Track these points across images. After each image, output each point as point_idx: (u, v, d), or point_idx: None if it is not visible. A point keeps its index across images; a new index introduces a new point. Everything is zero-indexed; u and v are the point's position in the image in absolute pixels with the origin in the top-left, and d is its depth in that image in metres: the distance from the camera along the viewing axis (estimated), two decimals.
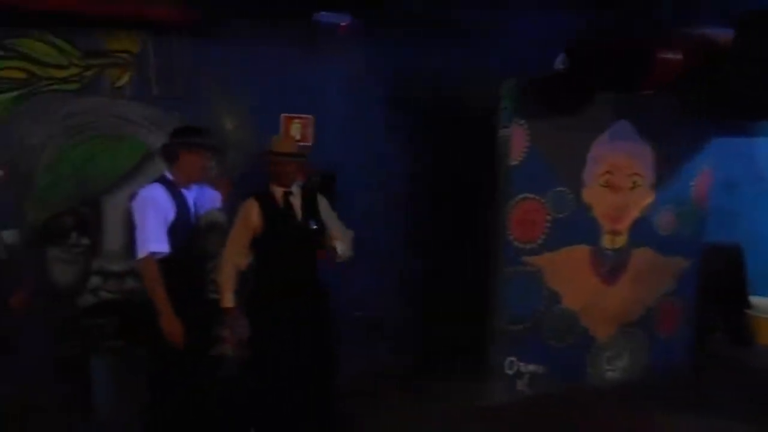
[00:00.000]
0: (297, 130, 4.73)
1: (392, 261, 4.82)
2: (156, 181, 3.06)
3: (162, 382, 2.99)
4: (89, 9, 4.07)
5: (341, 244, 3.62)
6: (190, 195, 3.16)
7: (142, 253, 2.91)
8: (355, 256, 3.80)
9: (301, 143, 4.53)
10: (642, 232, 4.95)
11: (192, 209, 3.12)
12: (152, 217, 2.91)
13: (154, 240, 2.90)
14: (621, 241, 4.90)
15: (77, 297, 4.37)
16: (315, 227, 3.54)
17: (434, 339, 5.04)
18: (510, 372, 4.63)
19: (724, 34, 4.02)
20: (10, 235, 4.26)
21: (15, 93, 4.20)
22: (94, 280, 4.41)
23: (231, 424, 3.43)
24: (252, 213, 3.44)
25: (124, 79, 4.38)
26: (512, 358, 4.63)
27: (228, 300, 3.36)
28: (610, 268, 4.89)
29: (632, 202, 4.90)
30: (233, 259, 3.41)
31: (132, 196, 3.06)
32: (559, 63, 4.32)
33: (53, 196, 4.29)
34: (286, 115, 4.72)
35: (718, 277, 5.66)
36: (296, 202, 3.55)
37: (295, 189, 3.57)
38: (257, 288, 3.47)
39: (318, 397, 3.53)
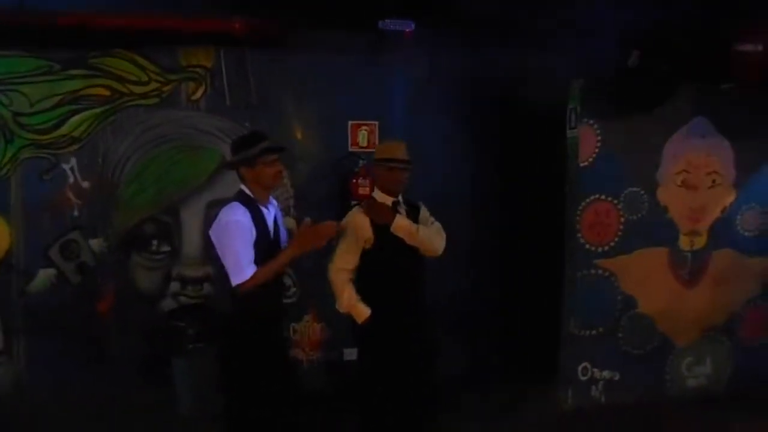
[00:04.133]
0: (363, 136, 4.81)
1: (460, 267, 4.80)
2: (234, 200, 3.00)
3: (242, 386, 3.03)
4: (166, 26, 4.29)
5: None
6: (269, 208, 3.09)
7: (238, 280, 2.87)
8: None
9: (368, 150, 4.60)
10: (723, 232, 4.73)
11: (270, 223, 3.06)
12: (240, 243, 2.87)
13: (247, 264, 2.87)
14: (700, 242, 4.70)
15: (159, 302, 4.58)
16: None
17: (506, 344, 4.99)
18: (583, 378, 4.52)
19: None
20: (97, 243, 4.53)
21: (100, 109, 4.47)
22: (174, 286, 4.61)
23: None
24: (364, 225, 3.29)
25: (200, 92, 4.57)
26: (585, 364, 4.52)
27: (363, 311, 3.26)
28: (690, 270, 4.70)
29: (711, 201, 4.69)
30: (345, 274, 3.30)
31: (214, 221, 2.96)
32: (633, 60, 4.20)
33: (136, 205, 4.53)
34: (354, 122, 4.80)
35: None
36: (403, 212, 3.39)
37: (400, 199, 3.43)
38: (362, 297, 3.30)
39: (422, 404, 3.44)
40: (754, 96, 4.55)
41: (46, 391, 4.28)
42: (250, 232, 2.90)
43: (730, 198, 4.72)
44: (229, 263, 2.90)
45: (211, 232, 2.98)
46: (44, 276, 4.46)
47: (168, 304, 4.60)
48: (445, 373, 4.39)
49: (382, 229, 3.29)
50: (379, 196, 3.40)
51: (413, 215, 3.45)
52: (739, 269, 4.79)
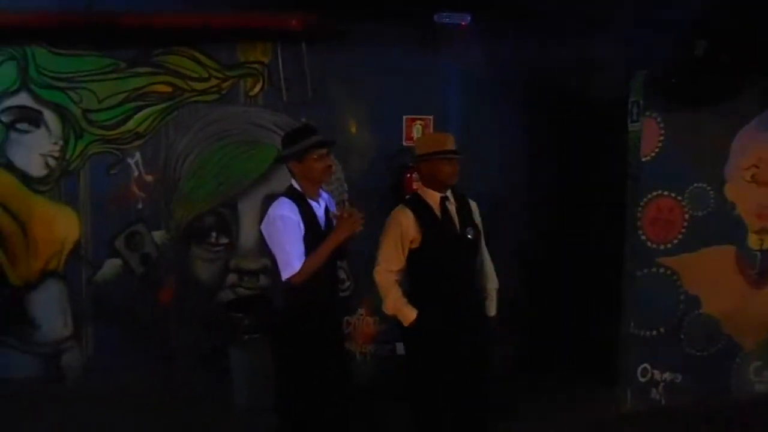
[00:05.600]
0: (418, 131, 4.79)
1: (517, 264, 4.73)
2: (284, 195, 3.03)
3: (295, 378, 3.06)
4: (225, 23, 4.39)
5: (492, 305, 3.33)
6: (319, 202, 3.11)
7: (288, 274, 2.92)
8: None
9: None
10: None
11: (320, 216, 3.08)
12: (289, 237, 2.92)
13: (296, 258, 2.92)
14: None
15: (217, 293, 4.71)
16: (470, 236, 3.19)
17: (565, 342, 4.89)
18: (643, 379, 4.39)
19: None
20: (159, 235, 4.69)
21: (162, 105, 4.62)
22: (232, 277, 4.73)
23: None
24: (408, 224, 3.10)
25: (257, 88, 4.66)
26: (646, 365, 4.38)
27: (409, 313, 3.09)
28: (759, 270, 4.48)
29: None
30: (391, 276, 3.14)
31: (266, 215, 3.01)
32: (699, 51, 4.02)
33: (196, 198, 4.66)
34: (409, 116, 4.79)
35: None
36: (452, 208, 3.19)
37: (449, 194, 3.21)
38: (412, 300, 3.12)
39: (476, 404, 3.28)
40: None
41: (111, 376, 4.47)
42: (298, 227, 2.94)
43: None
44: (279, 258, 2.96)
45: (261, 227, 3.05)
46: (110, 266, 4.65)
47: (226, 295, 4.73)
48: (500, 374, 4.35)
49: (428, 226, 3.12)
50: (425, 192, 3.20)
51: (464, 210, 3.25)
52: None
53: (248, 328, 4.27)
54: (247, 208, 4.67)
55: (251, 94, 4.66)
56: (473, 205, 3.33)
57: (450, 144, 3.17)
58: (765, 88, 4.30)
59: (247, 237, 4.69)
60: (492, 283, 3.35)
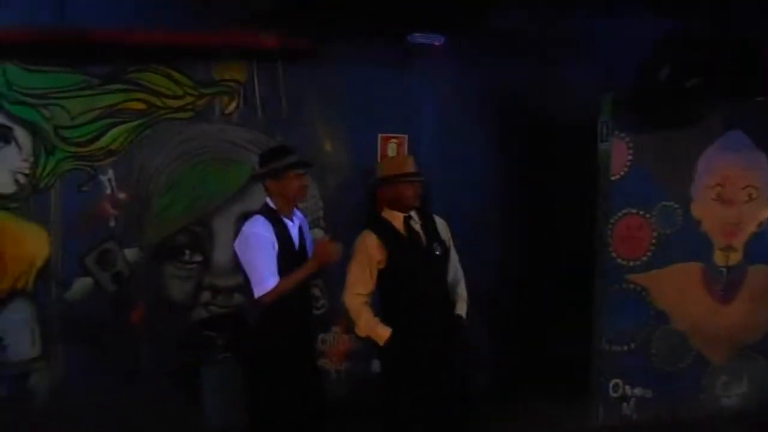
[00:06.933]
0: (393, 149, 4.83)
1: (490, 281, 4.77)
2: (258, 213, 3.07)
3: (268, 397, 3.05)
4: (200, 41, 4.40)
5: (462, 305, 3.36)
6: (293, 220, 3.16)
7: (259, 292, 2.95)
8: None
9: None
10: (760, 247, 4.65)
11: (294, 235, 3.12)
12: (261, 255, 2.95)
13: (269, 276, 2.94)
14: (736, 257, 4.61)
15: (191, 311, 4.66)
16: (438, 253, 3.26)
17: (538, 359, 4.94)
18: (615, 395, 4.46)
19: None
20: (132, 253, 4.63)
21: (136, 122, 4.57)
22: (205, 295, 4.69)
23: None
24: (374, 246, 3.15)
25: (233, 106, 4.66)
26: (617, 381, 4.45)
27: (383, 333, 3.12)
28: (725, 286, 4.62)
29: (747, 216, 4.61)
30: (360, 298, 3.17)
31: (240, 233, 3.05)
32: (663, 75, 4.15)
33: (169, 216, 4.62)
34: (383, 134, 4.84)
35: None
36: (417, 227, 3.26)
37: (413, 213, 3.28)
38: (386, 320, 3.17)
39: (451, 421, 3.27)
40: None
41: (81, 396, 4.38)
42: (271, 245, 2.97)
43: (767, 212, 4.62)
44: (251, 275, 2.98)
45: (235, 245, 3.07)
46: (81, 285, 4.57)
47: (199, 313, 4.68)
48: (472, 390, 4.37)
49: (394, 247, 3.17)
50: (389, 214, 3.25)
51: (430, 227, 3.31)
52: None
53: (221, 346, 4.24)
54: (221, 226, 4.64)
55: (226, 112, 4.65)
56: (440, 222, 3.39)
57: (410, 167, 3.24)
58: (727, 111, 4.45)
59: (221, 255, 4.65)
60: (462, 289, 3.39)
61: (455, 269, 3.40)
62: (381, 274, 3.18)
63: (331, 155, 4.79)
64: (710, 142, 4.51)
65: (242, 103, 4.66)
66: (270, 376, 3.00)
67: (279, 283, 2.96)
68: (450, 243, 3.38)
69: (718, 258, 4.59)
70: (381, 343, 3.15)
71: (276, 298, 2.96)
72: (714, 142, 4.52)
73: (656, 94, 4.15)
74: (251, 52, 4.54)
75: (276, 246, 2.99)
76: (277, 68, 4.65)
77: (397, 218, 3.23)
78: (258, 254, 2.95)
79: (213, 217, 4.65)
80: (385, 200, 3.27)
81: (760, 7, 4.55)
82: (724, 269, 4.61)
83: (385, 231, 3.20)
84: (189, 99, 4.61)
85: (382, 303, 3.24)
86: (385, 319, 3.16)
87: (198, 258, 4.67)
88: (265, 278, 2.94)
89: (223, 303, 4.67)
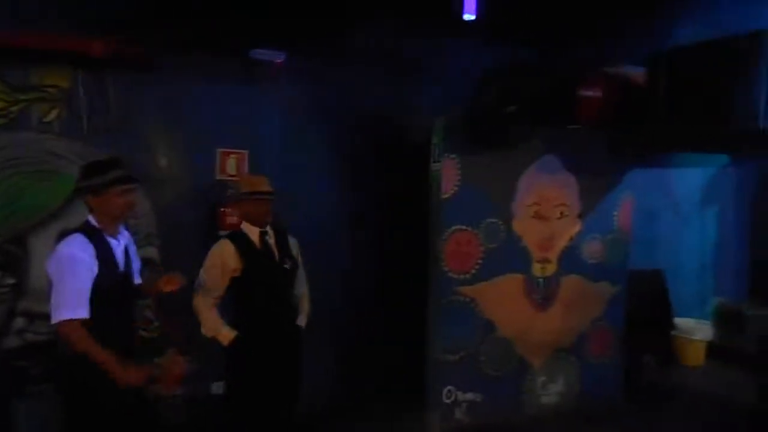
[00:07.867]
0: (232, 165, 4.74)
1: (333, 294, 4.83)
2: (77, 231, 2.80)
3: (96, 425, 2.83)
4: (16, 42, 4.01)
5: (303, 317, 3.71)
6: (119, 239, 2.93)
7: (58, 318, 2.66)
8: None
9: (237, 179, 4.54)
10: (571, 260, 5.14)
11: (119, 255, 2.89)
12: (72, 281, 2.67)
13: (74, 305, 2.66)
14: (551, 269, 5.08)
15: (1, 339, 4.18)
16: (287, 267, 3.59)
17: (372, 368, 5.07)
18: (448, 401, 4.69)
19: (639, 73, 4.30)
20: None
21: None
22: (20, 322, 4.23)
23: None
24: (230, 254, 3.44)
25: (53, 114, 4.29)
26: (450, 387, 4.70)
27: (227, 334, 3.42)
28: (542, 295, 5.06)
29: (560, 231, 5.09)
30: (209, 300, 3.44)
31: (54, 251, 2.75)
32: (487, 98, 4.48)
33: None
34: (223, 149, 4.73)
35: (644, 302, 5.92)
36: (271, 241, 3.58)
37: (269, 228, 3.60)
38: (235, 326, 3.46)
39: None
40: (595, 137, 5.05)
41: None
42: (88, 269, 2.71)
43: (576, 228, 5.16)
44: (53, 298, 2.68)
45: (46, 264, 2.75)
46: None
47: (12, 341, 4.21)
48: (317, 399, 4.40)
49: (249, 257, 3.46)
50: (247, 227, 3.56)
51: (283, 243, 3.64)
52: (585, 293, 5.23)
53: (35, 378, 3.84)
54: (38, 245, 4.21)
55: (46, 120, 4.27)
56: (293, 241, 3.73)
57: (264, 186, 3.57)
58: (544, 137, 4.92)
59: (37, 277, 4.22)
60: (305, 303, 3.77)
61: (302, 284, 3.76)
62: (235, 281, 3.46)
63: (166, 169, 4.58)
64: (529, 164, 4.94)
65: (65, 111, 4.31)
66: (90, 408, 2.75)
67: (84, 337, 2.66)
68: (299, 260, 3.72)
69: (536, 270, 5.04)
70: (225, 344, 3.43)
71: (72, 338, 2.66)
72: (532, 164, 4.96)
73: (481, 118, 4.47)
74: (76, 58, 4.21)
75: (95, 269, 2.73)
76: (106, 76, 4.37)
77: (253, 232, 3.54)
78: (68, 278, 2.67)
79: (29, 234, 4.23)
80: (242, 214, 3.59)
81: (576, 42, 5.14)
82: (541, 280, 5.06)
83: (241, 242, 3.49)
84: (1, 104, 4.17)
85: (234, 307, 3.52)
86: (234, 324, 3.46)
87: (10, 280, 4.21)
88: (67, 306, 2.64)
89: (40, 330, 4.24)
